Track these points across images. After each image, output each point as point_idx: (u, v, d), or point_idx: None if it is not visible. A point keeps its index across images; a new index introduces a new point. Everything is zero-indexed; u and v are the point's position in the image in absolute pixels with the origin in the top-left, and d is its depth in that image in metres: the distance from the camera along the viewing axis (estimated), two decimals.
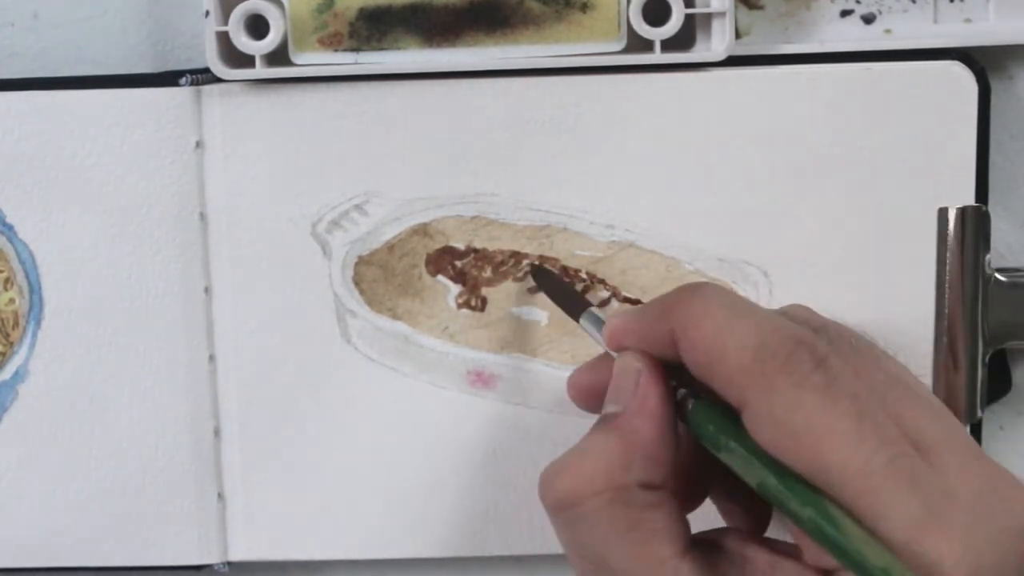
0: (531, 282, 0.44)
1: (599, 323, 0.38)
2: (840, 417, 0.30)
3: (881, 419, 0.30)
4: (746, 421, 0.31)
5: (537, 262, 0.44)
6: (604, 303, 0.45)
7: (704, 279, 0.44)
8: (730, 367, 0.31)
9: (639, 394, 0.34)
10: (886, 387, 0.32)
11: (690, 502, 0.36)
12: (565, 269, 0.45)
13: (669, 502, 0.33)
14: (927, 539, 0.28)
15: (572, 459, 0.33)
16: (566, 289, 0.43)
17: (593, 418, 0.35)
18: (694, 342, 0.32)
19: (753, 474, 0.31)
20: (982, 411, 0.44)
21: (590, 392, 0.37)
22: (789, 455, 0.30)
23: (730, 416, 0.32)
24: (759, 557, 0.33)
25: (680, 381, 0.34)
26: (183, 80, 0.44)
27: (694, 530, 0.34)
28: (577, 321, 0.40)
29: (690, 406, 0.33)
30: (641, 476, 0.33)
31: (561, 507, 0.33)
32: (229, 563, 0.46)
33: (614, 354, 0.36)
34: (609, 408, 0.34)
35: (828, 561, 0.30)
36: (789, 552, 0.33)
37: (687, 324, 0.32)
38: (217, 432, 0.46)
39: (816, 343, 0.31)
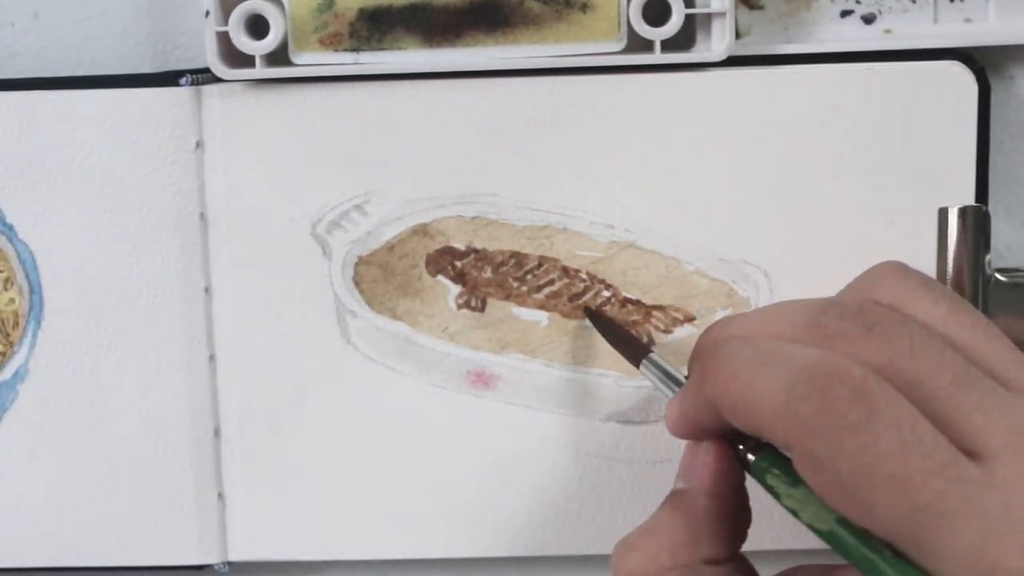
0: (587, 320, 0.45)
1: (659, 369, 0.38)
2: (883, 458, 0.28)
3: (929, 443, 0.29)
4: (796, 467, 0.30)
5: (590, 306, 0.45)
6: (603, 303, 0.45)
7: (704, 279, 0.44)
8: (769, 419, 0.30)
9: (704, 472, 0.34)
10: (949, 382, 0.30)
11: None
12: (565, 269, 0.45)
13: (735, 574, 0.33)
14: (984, 565, 0.27)
15: (640, 538, 0.34)
16: (622, 334, 0.43)
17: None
18: (731, 407, 0.31)
19: (811, 519, 0.31)
20: None
21: (686, 428, 0.36)
22: (835, 499, 0.29)
23: (788, 466, 0.32)
24: None
25: (745, 441, 0.34)
26: (183, 80, 0.44)
27: None
28: (637, 367, 0.39)
29: (751, 460, 0.33)
30: (707, 553, 0.33)
31: None
32: (229, 563, 0.46)
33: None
34: (678, 484, 0.34)
35: None
36: None
37: (719, 391, 0.32)
38: (217, 432, 0.46)
39: (850, 370, 0.29)
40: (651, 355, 0.39)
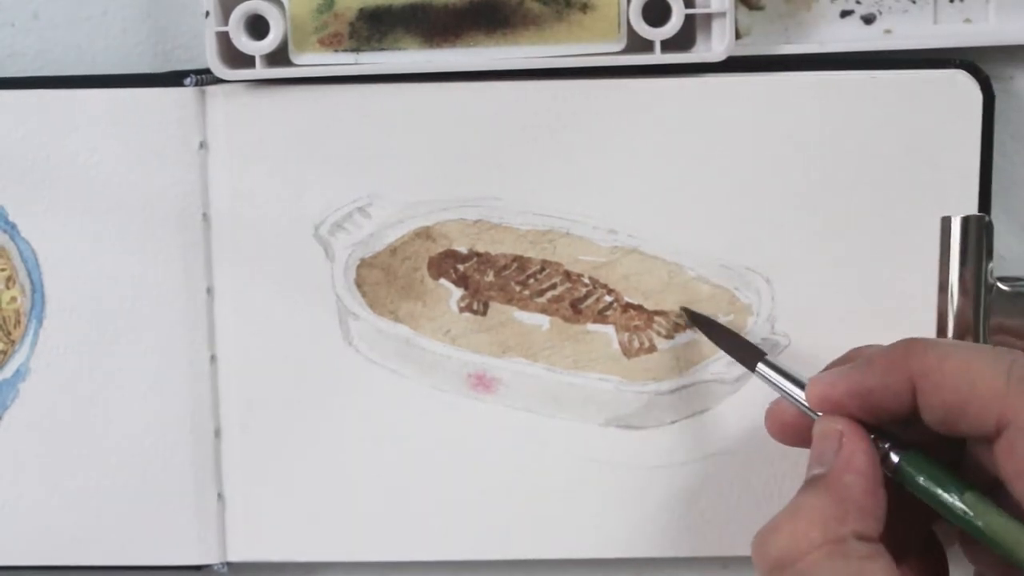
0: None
1: (777, 370, 0.39)
2: None
3: None
4: (1003, 446, 0.32)
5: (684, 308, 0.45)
6: (605, 308, 0.45)
7: (707, 285, 0.44)
8: (984, 396, 0.33)
9: (844, 453, 0.34)
10: None
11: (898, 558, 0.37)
12: (567, 274, 0.45)
13: (884, 554, 0.33)
14: None
15: (785, 519, 0.34)
16: (733, 336, 0.43)
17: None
18: (940, 383, 0.34)
19: (971, 519, 0.33)
20: None
21: (787, 428, 0.38)
22: None
23: (941, 465, 0.34)
24: None
25: (882, 438, 0.35)
26: (187, 80, 0.44)
27: None
28: (752, 370, 0.40)
29: (897, 459, 0.35)
30: (856, 527, 0.33)
31: (780, 566, 0.33)
32: (228, 563, 0.46)
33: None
34: (815, 471, 0.35)
35: None
36: None
37: (928, 369, 0.34)
38: (217, 432, 0.46)
39: None
40: (766, 357, 0.40)
